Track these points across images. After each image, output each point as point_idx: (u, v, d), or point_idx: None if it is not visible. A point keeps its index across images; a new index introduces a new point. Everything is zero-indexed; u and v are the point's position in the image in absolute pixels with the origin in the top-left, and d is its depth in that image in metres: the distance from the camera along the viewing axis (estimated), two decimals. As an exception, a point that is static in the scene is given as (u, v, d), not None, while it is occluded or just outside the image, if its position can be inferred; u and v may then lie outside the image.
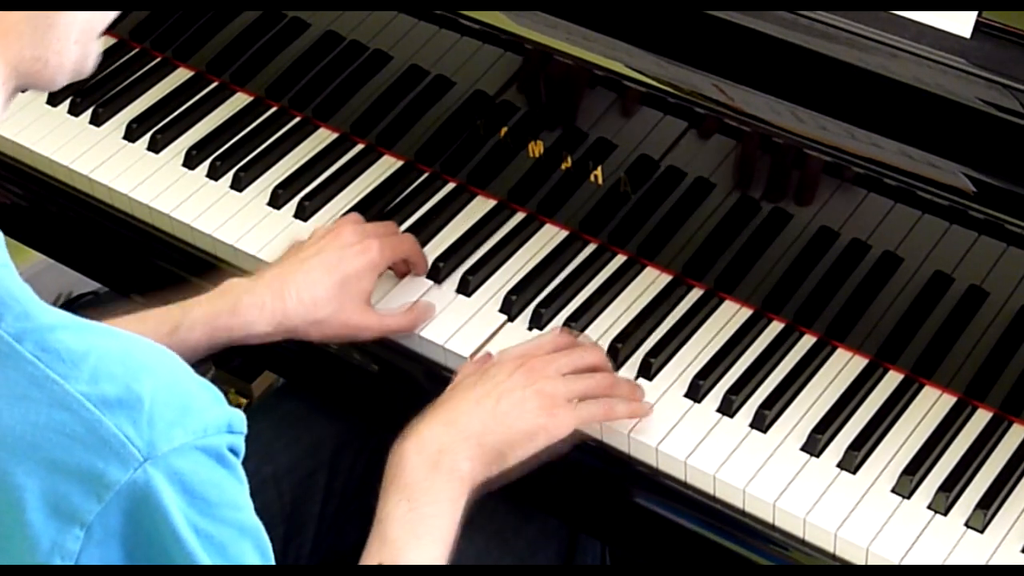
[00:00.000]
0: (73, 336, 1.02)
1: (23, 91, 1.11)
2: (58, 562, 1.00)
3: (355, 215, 1.64)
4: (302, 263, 1.54)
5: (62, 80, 1.11)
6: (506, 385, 1.43)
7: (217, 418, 1.04)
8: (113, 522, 1.00)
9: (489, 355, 1.53)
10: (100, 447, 0.99)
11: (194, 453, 1.02)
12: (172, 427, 1.01)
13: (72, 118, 1.87)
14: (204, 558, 1.03)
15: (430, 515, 1.35)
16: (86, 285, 2.37)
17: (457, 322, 1.61)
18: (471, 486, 1.39)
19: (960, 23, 1.43)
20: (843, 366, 1.56)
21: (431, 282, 1.66)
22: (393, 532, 1.34)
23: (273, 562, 1.10)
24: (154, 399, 1.01)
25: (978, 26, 1.42)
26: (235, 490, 1.06)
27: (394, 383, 1.64)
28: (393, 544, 1.33)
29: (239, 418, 1.07)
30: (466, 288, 1.65)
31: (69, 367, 1.01)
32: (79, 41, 1.09)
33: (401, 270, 1.65)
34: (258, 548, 1.08)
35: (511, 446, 1.41)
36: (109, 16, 1.12)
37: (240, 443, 1.07)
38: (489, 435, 1.40)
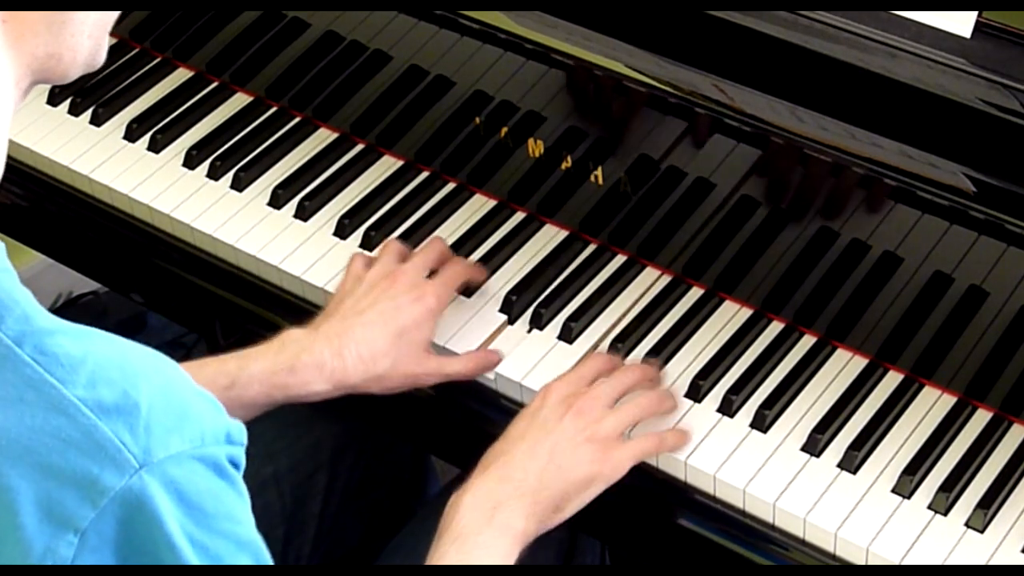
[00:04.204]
0: (71, 341, 1.02)
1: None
2: None
3: (395, 244, 1.62)
4: (359, 316, 1.51)
5: (75, 73, 1.11)
6: (558, 434, 1.42)
7: (215, 428, 1.04)
8: (107, 529, 0.99)
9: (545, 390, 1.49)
10: (96, 452, 0.98)
11: (190, 462, 1.01)
12: (169, 434, 1.00)
13: (72, 118, 1.87)
14: None
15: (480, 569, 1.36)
16: (86, 285, 2.38)
17: (457, 322, 1.61)
18: (524, 542, 1.39)
19: (960, 23, 1.43)
20: (843, 366, 1.56)
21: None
22: None
23: None
24: (151, 406, 1.00)
25: (978, 26, 1.42)
26: (233, 502, 1.05)
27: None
28: None
29: (239, 429, 1.06)
30: (466, 289, 1.65)
31: (67, 371, 1.00)
32: (92, 36, 1.10)
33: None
34: (256, 563, 1.07)
35: (567, 498, 1.41)
36: (118, 11, 1.13)
37: (240, 455, 1.06)
38: (545, 490, 1.40)
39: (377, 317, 1.50)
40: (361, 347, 1.49)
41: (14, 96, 1.09)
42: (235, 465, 1.06)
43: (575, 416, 1.43)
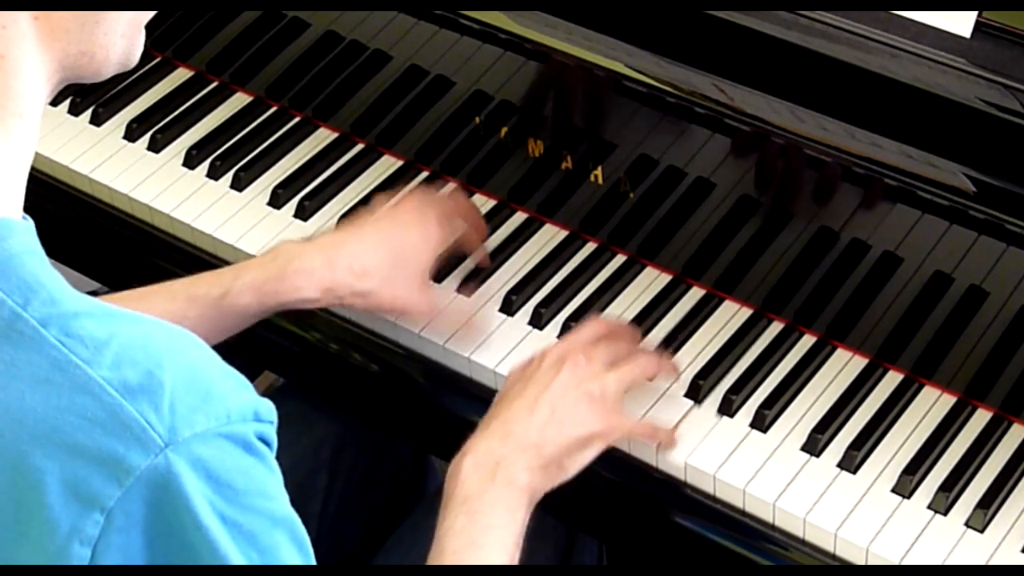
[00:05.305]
0: (96, 323, 1.03)
1: (68, 84, 1.12)
2: (77, 546, 1.00)
3: (424, 188, 1.64)
4: (357, 229, 1.54)
5: (108, 72, 1.12)
6: (556, 388, 1.41)
7: (242, 405, 1.04)
8: (134, 508, 1.00)
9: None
10: (121, 432, 0.99)
11: (217, 440, 1.01)
12: (194, 413, 1.01)
13: (72, 118, 1.87)
14: (229, 547, 1.02)
15: (490, 526, 1.34)
16: (86, 285, 2.37)
17: (457, 322, 1.61)
18: (531, 497, 1.38)
19: (960, 23, 1.43)
20: (843, 366, 1.56)
21: (432, 282, 1.66)
22: (452, 545, 1.33)
23: (311, 551, 1.09)
24: (175, 385, 1.01)
25: (978, 26, 1.42)
26: (265, 479, 1.05)
27: (394, 383, 1.64)
28: (453, 557, 1.32)
29: (267, 406, 1.06)
30: (466, 288, 1.65)
31: (92, 352, 1.01)
32: (125, 35, 1.11)
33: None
34: (293, 540, 1.07)
35: (569, 453, 1.40)
36: (153, 11, 1.13)
37: (270, 432, 1.06)
38: (547, 444, 1.39)
39: (374, 234, 1.53)
40: (353, 259, 1.51)
41: (44, 93, 1.09)
42: (266, 443, 1.06)
43: (571, 369, 1.43)
